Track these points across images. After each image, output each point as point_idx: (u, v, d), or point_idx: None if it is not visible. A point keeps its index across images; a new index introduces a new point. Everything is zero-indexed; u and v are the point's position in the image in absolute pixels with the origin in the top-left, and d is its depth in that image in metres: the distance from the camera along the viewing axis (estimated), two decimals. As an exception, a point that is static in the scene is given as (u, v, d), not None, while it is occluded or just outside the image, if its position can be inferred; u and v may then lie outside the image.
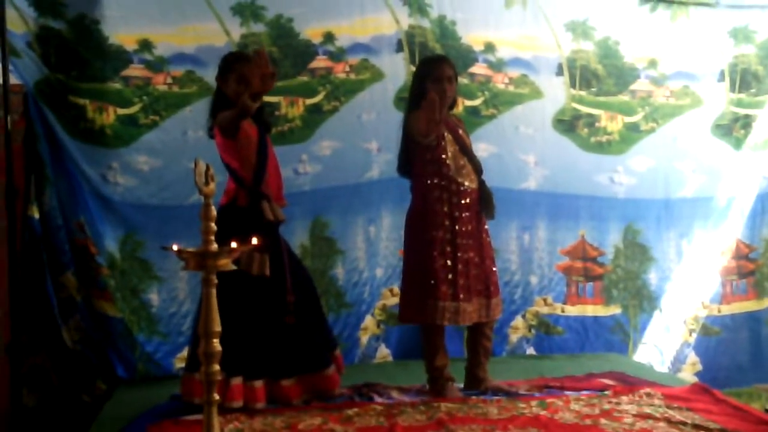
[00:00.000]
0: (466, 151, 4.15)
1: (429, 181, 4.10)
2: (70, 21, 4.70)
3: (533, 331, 5.33)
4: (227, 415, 3.67)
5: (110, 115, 4.79)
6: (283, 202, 4.11)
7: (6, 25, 4.15)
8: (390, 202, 5.17)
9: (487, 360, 4.27)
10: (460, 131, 4.21)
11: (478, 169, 4.16)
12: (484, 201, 4.14)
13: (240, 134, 3.91)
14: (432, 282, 4.02)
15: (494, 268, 4.22)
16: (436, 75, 4.07)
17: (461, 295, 4.02)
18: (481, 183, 4.16)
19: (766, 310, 5.56)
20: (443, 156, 4.08)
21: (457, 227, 4.06)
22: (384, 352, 5.19)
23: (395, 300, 5.16)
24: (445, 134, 4.10)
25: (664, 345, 5.44)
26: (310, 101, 5.08)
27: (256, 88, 3.81)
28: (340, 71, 5.14)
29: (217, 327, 2.88)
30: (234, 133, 3.89)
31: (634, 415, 3.73)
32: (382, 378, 4.49)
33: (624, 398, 4.01)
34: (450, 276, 4.03)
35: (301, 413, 3.82)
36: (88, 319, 4.73)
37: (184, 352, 4.45)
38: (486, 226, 4.20)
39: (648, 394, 4.05)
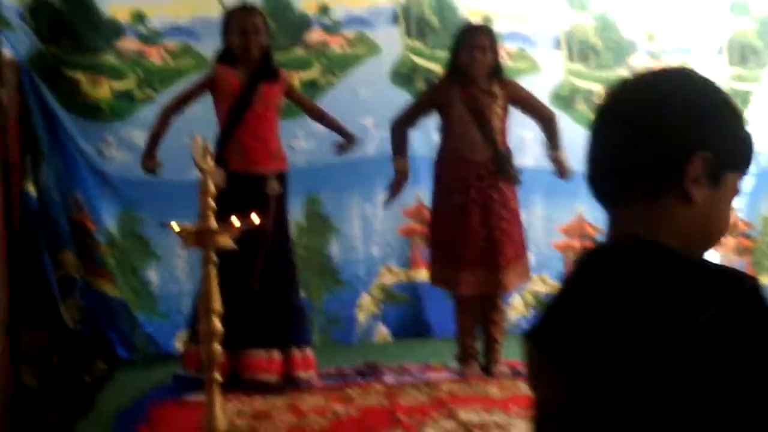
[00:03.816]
0: (480, 123, 4.13)
1: (439, 152, 4.24)
2: (64, -8, 4.62)
3: (531, 309, 5.35)
4: (228, 396, 3.66)
5: (105, 89, 4.74)
6: (265, 166, 4.02)
7: (-2, -3, 4.07)
8: (386, 179, 5.09)
9: (500, 336, 4.25)
10: (486, 98, 4.17)
11: (490, 139, 4.14)
12: (500, 168, 4.14)
13: (218, 87, 4.01)
14: (433, 247, 4.20)
15: (504, 239, 4.15)
16: (469, 43, 4.12)
17: (459, 264, 4.07)
18: (496, 152, 4.15)
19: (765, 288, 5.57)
20: (450, 129, 4.18)
21: (458, 198, 4.12)
22: (383, 332, 5.17)
23: (393, 279, 5.19)
24: (455, 107, 4.13)
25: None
26: (305, 76, 5.02)
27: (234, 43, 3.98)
28: (336, 44, 5.08)
29: (218, 305, 2.86)
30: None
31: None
32: (382, 358, 4.50)
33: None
34: (449, 243, 4.11)
35: (303, 393, 3.82)
36: (87, 298, 4.71)
37: (184, 332, 4.42)
38: (506, 199, 4.18)
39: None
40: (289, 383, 3.96)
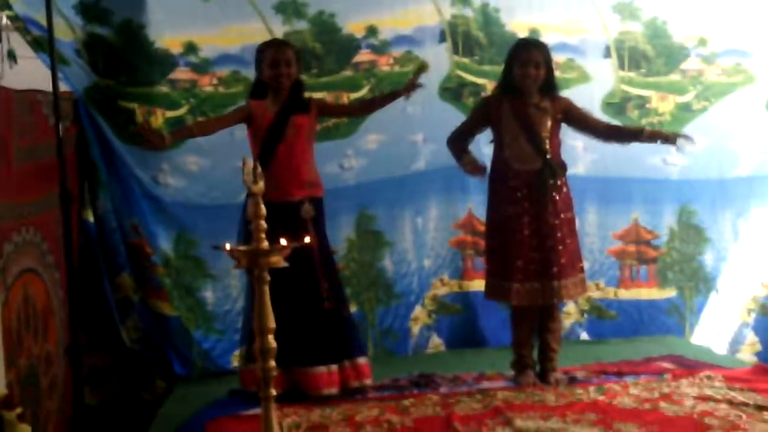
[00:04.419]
0: (530, 134, 4.14)
1: (492, 165, 4.26)
2: (117, 27, 4.75)
3: (585, 315, 5.29)
4: (285, 408, 3.70)
5: (159, 118, 4.85)
6: (297, 195, 4.09)
7: (54, 34, 4.21)
8: (437, 193, 5.18)
9: (556, 345, 4.23)
10: (535, 111, 4.17)
11: (540, 150, 4.14)
12: (540, 181, 4.13)
13: (254, 120, 4.13)
14: (487, 260, 4.26)
15: (558, 248, 4.12)
16: (523, 59, 4.15)
17: (512, 276, 4.08)
18: (544, 164, 4.14)
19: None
20: (500, 140, 4.21)
21: (510, 209, 4.15)
22: (436, 342, 5.20)
23: (445, 290, 5.22)
24: (505, 120, 4.17)
25: (722, 326, 5.34)
26: (354, 96, 5.08)
27: (265, 75, 4.13)
28: (384, 64, 5.13)
29: (272, 323, 2.89)
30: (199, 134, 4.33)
31: (694, 398, 3.68)
32: (436, 368, 4.50)
33: (684, 381, 3.97)
34: (502, 255, 4.14)
35: (358, 404, 3.84)
36: (145, 319, 4.82)
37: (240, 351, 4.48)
38: (559, 208, 4.16)
39: (708, 377, 4.00)
40: (344, 395, 4.05)
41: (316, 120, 4.28)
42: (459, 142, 4.33)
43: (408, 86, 4.24)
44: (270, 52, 4.15)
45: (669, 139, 4.27)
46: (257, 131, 4.16)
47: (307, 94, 4.34)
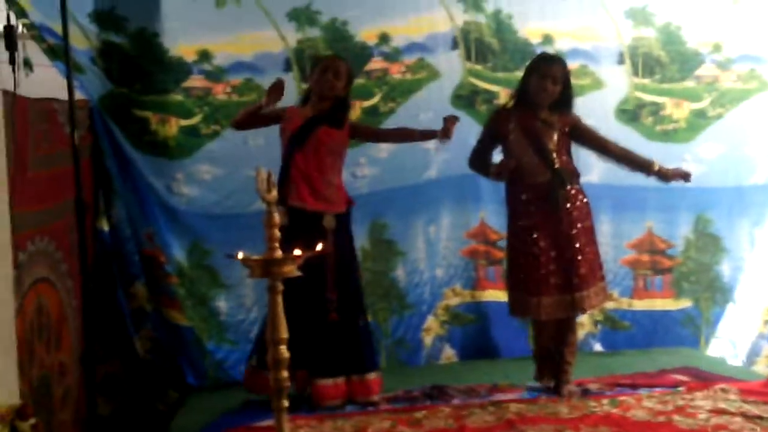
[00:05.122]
0: (538, 148, 4.14)
1: (506, 179, 4.24)
2: (131, 35, 4.77)
3: (599, 326, 5.26)
4: (297, 420, 3.70)
5: (173, 127, 4.86)
6: (309, 204, 4.10)
7: (70, 42, 4.23)
8: (450, 201, 5.16)
9: (572, 358, 4.22)
10: (541, 124, 4.17)
11: (548, 161, 4.14)
12: (552, 193, 4.12)
13: (284, 122, 4.17)
14: (509, 274, 4.25)
15: (577, 259, 4.11)
16: (543, 72, 4.16)
17: (535, 289, 4.07)
18: (554, 176, 4.13)
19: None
20: (510, 155, 4.20)
21: (525, 222, 4.16)
22: (449, 353, 5.18)
23: (457, 300, 5.20)
24: (512, 133, 4.18)
25: (738, 338, 5.30)
26: (367, 104, 5.08)
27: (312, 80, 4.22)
28: (396, 72, 5.13)
29: (284, 334, 2.90)
30: (243, 126, 4.29)
31: (708, 411, 3.66)
32: (449, 379, 4.49)
33: (698, 394, 3.94)
34: (520, 269, 4.14)
35: (371, 416, 3.84)
36: (159, 329, 4.82)
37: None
38: (574, 218, 4.14)
39: (723, 389, 3.97)
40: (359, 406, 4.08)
41: (348, 139, 4.27)
42: (479, 161, 4.34)
43: (444, 131, 4.19)
44: (324, 62, 4.22)
45: (676, 177, 4.25)
46: (284, 134, 4.19)
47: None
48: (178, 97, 4.89)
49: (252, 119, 4.25)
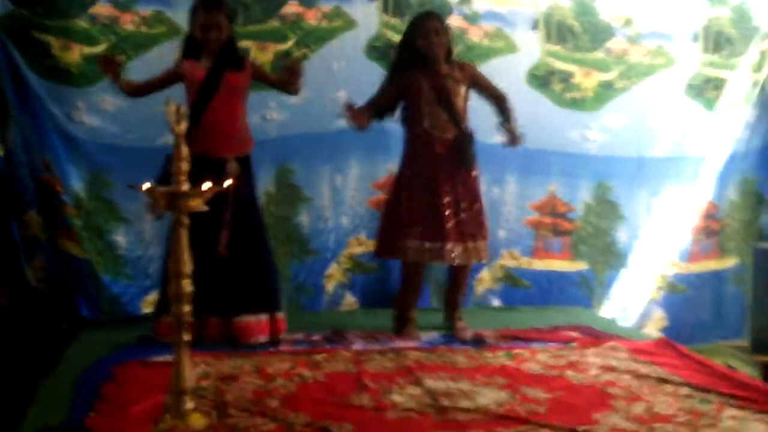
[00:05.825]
0: (445, 102, 4.28)
1: (409, 130, 4.38)
2: (34, -47, 4.56)
3: (499, 283, 5.36)
4: (194, 357, 3.62)
5: (76, 54, 4.69)
6: (225, 151, 4.07)
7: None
8: (359, 152, 5.14)
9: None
10: (450, 81, 4.32)
11: (456, 119, 4.30)
12: (460, 150, 4.31)
13: (186, 79, 4.11)
14: (400, 222, 4.30)
15: (476, 209, 4.39)
16: (423, 31, 4.28)
17: (431, 235, 4.25)
18: (460, 132, 4.31)
19: (729, 269, 5.62)
20: (418, 109, 4.31)
21: (431, 173, 4.30)
22: (350, 300, 5.19)
23: (362, 249, 5.20)
24: (422, 87, 4.28)
25: (630, 301, 5.47)
26: (280, 47, 4.99)
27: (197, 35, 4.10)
28: (312, 18, 5.05)
29: (188, 268, 2.85)
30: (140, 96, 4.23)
31: (599, 367, 3.76)
32: (349, 325, 4.52)
33: (589, 351, 4.04)
34: (418, 217, 4.27)
35: (270, 357, 3.81)
36: (52, 259, 4.69)
37: (151, 296, 4.41)
38: (474, 174, 4.40)
39: (613, 347, 4.08)
40: (273, 345, 4.07)
41: (249, 79, 4.20)
42: (372, 110, 4.35)
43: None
44: (201, 16, 4.08)
45: (513, 140, 4.43)
46: (190, 89, 4.11)
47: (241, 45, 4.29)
48: (83, 23, 4.71)
49: (144, 90, 4.21)
